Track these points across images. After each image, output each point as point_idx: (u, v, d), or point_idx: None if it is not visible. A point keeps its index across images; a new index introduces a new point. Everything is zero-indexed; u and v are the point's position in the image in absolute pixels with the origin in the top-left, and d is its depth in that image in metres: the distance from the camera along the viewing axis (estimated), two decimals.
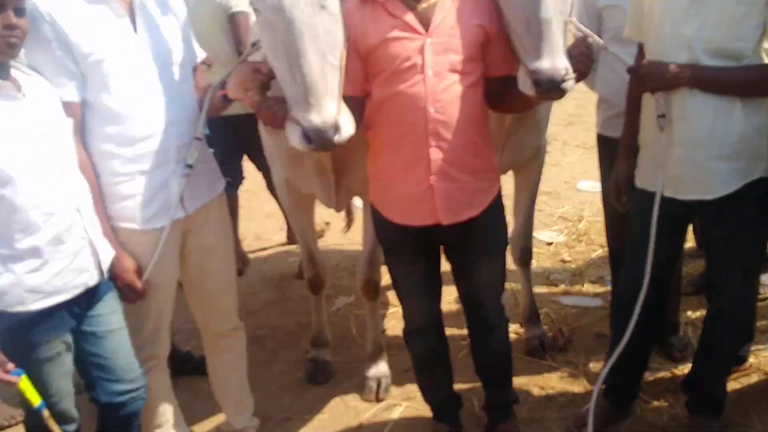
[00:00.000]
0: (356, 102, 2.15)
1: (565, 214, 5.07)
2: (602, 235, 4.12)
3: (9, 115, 1.83)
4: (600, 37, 2.82)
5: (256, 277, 4.46)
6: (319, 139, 1.87)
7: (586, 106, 6.70)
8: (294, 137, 1.92)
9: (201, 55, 2.43)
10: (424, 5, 2.13)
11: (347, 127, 1.93)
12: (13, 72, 1.91)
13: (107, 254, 2.07)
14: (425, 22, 2.12)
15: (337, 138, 1.90)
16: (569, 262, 4.29)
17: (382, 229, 2.39)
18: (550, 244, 4.57)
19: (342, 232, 4.71)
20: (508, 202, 2.68)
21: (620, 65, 2.59)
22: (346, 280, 4.27)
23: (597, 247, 4.42)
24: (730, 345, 2.52)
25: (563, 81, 1.97)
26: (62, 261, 1.91)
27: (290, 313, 3.92)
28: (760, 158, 2.23)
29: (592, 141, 3.23)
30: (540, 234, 4.59)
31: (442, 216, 2.22)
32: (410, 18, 2.12)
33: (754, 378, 2.92)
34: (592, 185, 5.38)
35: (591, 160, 4.97)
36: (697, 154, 2.22)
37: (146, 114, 2.14)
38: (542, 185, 3.27)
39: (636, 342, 2.40)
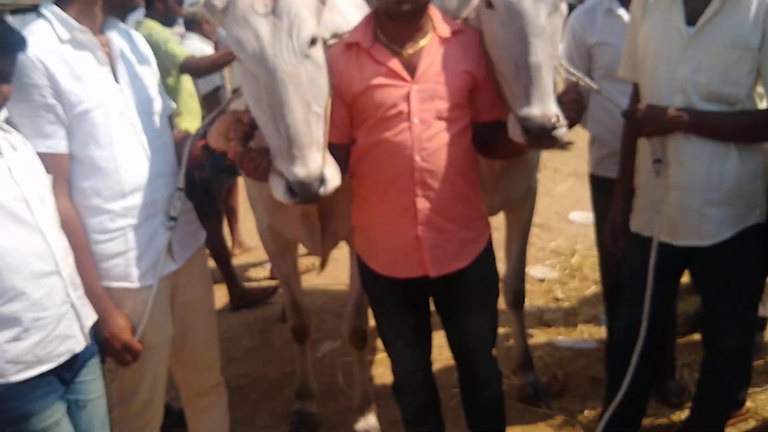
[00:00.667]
0: (341, 149, 2.09)
1: (558, 248, 5.01)
2: (595, 270, 4.06)
3: None
4: (590, 74, 2.81)
5: (237, 320, 4.33)
6: (303, 192, 1.81)
7: (576, 131, 6.65)
8: (278, 190, 1.85)
9: (173, 105, 2.39)
10: (409, 51, 2.08)
11: (333, 179, 1.86)
12: None
13: (90, 317, 1.96)
14: (411, 68, 2.07)
15: (322, 191, 1.83)
16: (562, 300, 4.21)
17: (369, 280, 2.30)
18: (542, 280, 4.49)
19: (316, 274, 4.62)
20: (498, 234, 2.60)
21: (612, 105, 2.55)
22: (331, 323, 4.14)
23: (591, 283, 4.35)
24: (728, 393, 2.47)
25: (554, 128, 1.92)
26: (44, 329, 1.80)
27: (273, 360, 3.79)
28: (756, 204, 2.20)
29: (583, 168, 3.19)
30: (532, 269, 4.51)
31: (429, 268, 2.13)
32: (395, 64, 2.06)
33: (752, 423, 2.85)
34: (584, 216, 5.33)
35: (583, 189, 4.89)
36: (692, 199, 2.19)
37: (134, 166, 2.08)
38: (534, 217, 3.20)
39: (633, 390, 2.34)
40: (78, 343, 1.89)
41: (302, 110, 1.81)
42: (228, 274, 4.46)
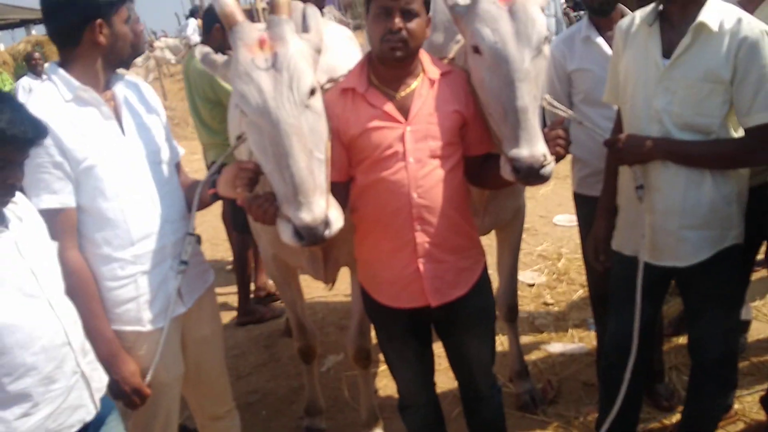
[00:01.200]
0: (341, 187, 2.21)
1: (544, 252, 5.15)
2: (581, 273, 4.23)
3: None
4: (570, 99, 2.94)
5: (243, 336, 4.46)
6: (310, 236, 1.91)
7: None
8: (285, 234, 1.95)
9: (181, 151, 2.46)
10: (402, 93, 2.19)
11: (337, 221, 1.97)
12: None
13: (102, 380, 1.98)
14: (404, 110, 2.18)
15: (327, 233, 1.93)
16: (552, 304, 4.36)
17: (372, 309, 2.42)
18: (532, 285, 4.64)
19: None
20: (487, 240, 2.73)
21: (592, 127, 2.68)
22: (333, 336, 4.28)
23: (578, 287, 4.50)
24: (716, 399, 2.57)
25: (542, 167, 2.03)
26: (54, 401, 1.78)
27: (281, 375, 3.92)
28: (732, 226, 2.30)
29: (565, 170, 3.27)
30: (521, 275, 4.64)
31: (430, 297, 2.26)
32: (389, 107, 2.17)
33: (740, 425, 2.98)
34: (568, 219, 5.47)
35: (565, 191, 5.04)
36: (670, 222, 2.30)
37: (142, 214, 2.16)
38: None
39: (627, 402, 2.45)
40: (88, 412, 1.89)
41: (305, 158, 1.91)
42: (243, 291, 4.57)
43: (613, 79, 2.46)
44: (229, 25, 2.02)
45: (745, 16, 2.15)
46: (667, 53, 2.23)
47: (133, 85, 2.33)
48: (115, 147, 2.13)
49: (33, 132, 1.77)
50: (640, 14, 2.36)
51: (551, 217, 5.78)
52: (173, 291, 2.22)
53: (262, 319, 4.61)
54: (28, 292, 1.77)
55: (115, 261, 2.13)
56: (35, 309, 1.77)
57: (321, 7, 10.52)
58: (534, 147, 2.02)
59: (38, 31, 23.34)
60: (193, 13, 14.74)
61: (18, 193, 1.86)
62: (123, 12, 2.13)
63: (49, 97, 2.08)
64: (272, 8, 2.05)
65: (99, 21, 2.08)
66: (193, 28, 14.04)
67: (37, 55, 8.53)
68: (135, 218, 2.14)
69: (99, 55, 2.13)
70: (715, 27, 2.13)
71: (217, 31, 4.02)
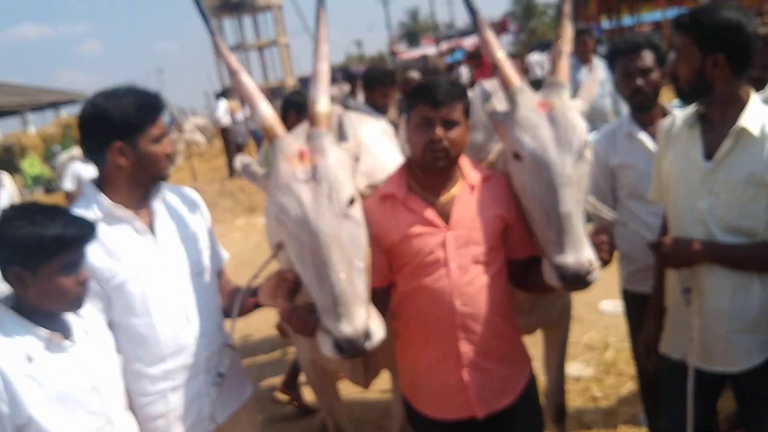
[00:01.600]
0: (381, 292, 2.18)
1: (591, 342, 4.98)
2: (630, 364, 4.05)
3: (57, 371, 1.80)
4: (615, 194, 2.89)
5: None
6: (351, 348, 1.87)
7: None
8: (326, 347, 1.91)
9: (225, 257, 2.46)
10: (442, 199, 2.18)
11: (377, 332, 1.93)
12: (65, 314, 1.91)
13: None
14: (445, 215, 2.16)
15: (368, 345, 1.89)
16: (600, 399, 4.18)
17: (415, 420, 2.34)
18: (578, 379, 4.46)
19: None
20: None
21: (637, 222, 2.62)
22: None
23: (627, 379, 4.31)
24: None
25: (588, 273, 1.98)
26: None
27: None
28: None
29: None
30: (568, 367, 4.47)
31: (476, 408, 2.18)
32: (430, 213, 2.16)
33: None
34: (614, 306, 5.30)
35: (610, 276, 4.87)
36: (718, 326, 2.23)
37: (174, 330, 2.15)
38: None
39: None
40: None
41: (345, 268, 1.89)
42: (295, 367, 4.41)
43: (658, 178, 2.45)
44: (269, 138, 2.06)
45: None
46: (708, 155, 2.21)
47: (176, 194, 2.35)
48: (147, 262, 2.14)
49: (88, 228, 1.88)
50: (681, 115, 2.35)
51: (597, 303, 5.61)
52: (208, 405, 2.18)
53: (299, 404, 4.44)
54: (90, 409, 1.83)
55: (145, 377, 2.12)
56: (96, 425, 1.83)
57: (354, 87, 10.52)
58: (580, 253, 1.99)
59: (68, 113, 24.34)
60: (224, 94, 15.14)
61: (85, 307, 1.95)
62: (151, 131, 2.13)
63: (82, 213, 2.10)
64: (311, 121, 2.09)
65: (118, 144, 2.09)
66: (225, 109, 14.38)
67: None
68: (166, 334, 2.13)
69: (124, 175, 2.14)
70: (756, 132, 2.12)
71: (291, 116, 4.11)
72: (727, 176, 2.16)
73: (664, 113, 2.85)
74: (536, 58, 16.78)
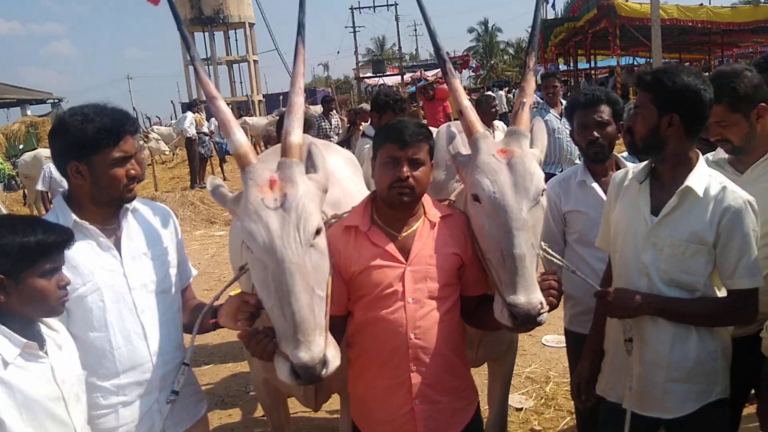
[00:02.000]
0: (339, 320, 2.25)
1: (532, 374, 5.11)
2: (569, 399, 4.18)
3: (29, 379, 1.84)
4: (564, 237, 3.03)
5: None
6: (307, 375, 1.91)
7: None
8: (282, 372, 1.95)
9: (192, 273, 2.50)
10: (404, 234, 2.28)
11: (334, 360, 1.98)
12: (40, 326, 1.95)
13: None
14: (405, 250, 2.26)
15: (324, 372, 1.94)
16: (539, 431, 4.31)
17: None
18: (519, 409, 4.59)
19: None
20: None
21: (584, 266, 2.76)
22: None
23: (566, 413, 4.44)
24: None
25: (539, 314, 2.09)
26: None
27: None
28: (717, 381, 2.35)
29: None
30: (509, 398, 4.61)
31: None
32: (391, 248, 2.25)
33: None
34: (557, 340, 5.46)
35: (554, 311, 5.01)
36: (656, 374, 2.34)
37: (130, 347, 2.17)
38: None
39: None
40: None
41: (307, 297, 1.93)
42: None
43: (606, 227, 2.57)
44: (241, 165, 2.12)
45: (730, 185, 2.28)
46: (655, 210, 2.33)
47: (148, 209, 2.37)
48: (108, 278, 2.16)
49: (66, 234, 1.94)
50: (633, 169, 2.48)
51: (540, 336, 5.77)
52: (159, 424, 2.20)
53: None
54: (58, 418, 1.87)
55: (98, 390, 2.14)
56: None
57: (330, 109, 11.04)
58: (531, 294, 2.08)
59: (33, 112, 23.84)
60: (190, 106, 15.09)
61: (59, 323, 2.00)
62: (110, 154, 2.12)
63: None
64: (284, 150, 2.15)
65: (74, 164, 2.13)
66: (191, 121, 14.33)
67: None
68: (122, 350, 2.16)
69: (83, 193, 2.18)
70: (700, 192, 2.24)
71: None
72: (670, 232, 2.28)
73: (618, 165, 3.01)
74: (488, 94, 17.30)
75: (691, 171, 2.29)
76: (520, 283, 2.09)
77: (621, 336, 2.39)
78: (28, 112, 23.55)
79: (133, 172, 2.18)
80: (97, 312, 2.13)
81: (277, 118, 4.64)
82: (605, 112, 2.96)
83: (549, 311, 2.16)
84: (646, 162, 2.43)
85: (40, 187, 7.60)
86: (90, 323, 2.12)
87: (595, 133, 2.94)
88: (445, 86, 4.63)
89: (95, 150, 2.11)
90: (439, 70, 2.61)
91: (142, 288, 2.23)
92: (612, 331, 2.51)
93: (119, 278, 2.18)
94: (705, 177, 2.28)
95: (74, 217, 2.16)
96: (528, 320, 2.08)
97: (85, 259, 2.14)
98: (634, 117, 2.36)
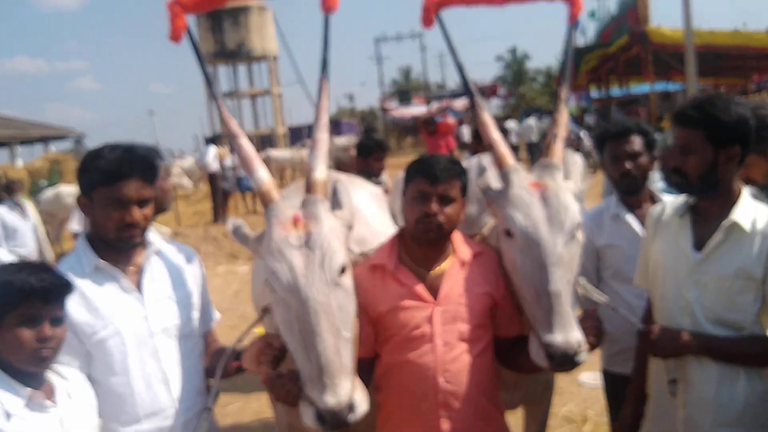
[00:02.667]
0: (366, 363, 2.16)
1: (570, 414, 4.94)
2: None
3: (34, 430, 1.77)
4: (599, 274, 2.91)
5: None
6: (334, 420, 1.84)
7: None
8: (308, 417, 1.88)
9: (215, 317, 2.43)
10: (432, 273, 2.19)
11: (361, 404, 1.90)
12: (50, 374, 1.89)
13: None
14: (434, 290, 2.17)
15: (351, 417, 1.86)
16: None
17: None
18: None
19: None
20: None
21: (621, 302, 2.63)
22: None
23: None
24: None
25: (576, 354, 1.98)
26: None
27: None
28: (766, 425, 2.20)
29: None
30: None
31: None
32: (419, 287, 2.17)
33: None
34: (594, 378, 5.27)
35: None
36: (703, 418, 2.21)
37: (151, 392, 2.10)
38: None
39: None
40: None
41: (332, 338, 1.86)
42: None
43: (644, 264, 2.46)
44: (264, 203, 2.07)
45: None
46: (698, 246, 2.22)
47: (172, 251, 2.31)
48: (130, 321, 2.10)
49: (55, 283, 1.84)
50: (671, 203, 2.38)
51: (576, 375, 5.59)
52: None
53: None
54: None
55: None
56: None
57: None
58: (569, 333, 1.99)
59: (56, 148, 24.25)
60: (213, 140, 15.21)
61: (71, 370, 1.95)
62: (104, 194, 2.06)
63: (70, 268, 2.09)
64: (308, 187, 2.10)
65: (81, 196, 2.12)
66: (213, 155, 14.42)
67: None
68: (143, 395, 2.09)
69: (96, 231, 2.14)
70: (747, 227, 2.14)
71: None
72: (716, 268, 2.16)
73: (652, 197, 2.91)
74: (511, 125, 17.35)
75: (734, 204, 2.18)
76: (557, 321, 2.00)
77: (665, 377, 2.27)
78: (52, 149, 23.95)
79: (128, 218, 2.07)
80: (118, 356, 2.06)
81: (352, 141, 4.77)
82: (636, 143, 2.86)
83: (590, 351, 2.06)
84: (684, 195, 2.32)
85: (74, 228, 7.15)
86: (111, 367, 2.06)
87: (627, 165, 2.84)
88: (448, 120, 4.74)
89: (94, 186, 2.08)
90: (467, 98, 2.52)
91: (164, 332, 2.16)
92: (656, 374, 2.38)
93: (141, 322, 2.12)
94: (750, 210, 2.18)
95: (96, 259, 2.10)
96: (565, 360, 1.98)
97: (106, 302, 2.08)
98: (681, 157, 2.19)
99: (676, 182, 2.23)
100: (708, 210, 2.23)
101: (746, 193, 2.22)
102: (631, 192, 2.89)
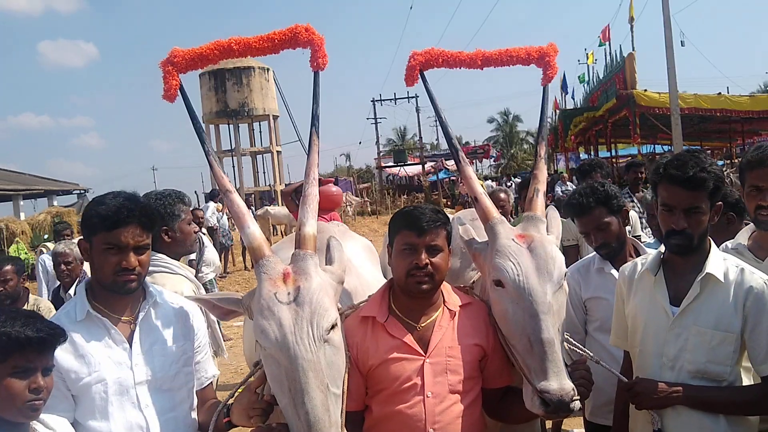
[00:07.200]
0: (357, 416, 2.17)
1: None
2: None
3: None
4: (585, 326, 2.96)
5: None
6: None
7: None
8: None
9: (213, 373, 2.42)
10: (422, 324, 2.22)
11: None
12: (34, 424, 1.87)
13: None
14: (424, 341, 2.20)
15: None
16: None
17: None
18: None
19: None
20: None
21: (606, 355, 2.66)
22: None
23: None
24: None
25: (571, 401, 2.01)
26: None
27: None
28: None
29: None
30: None
31: None
32: (409, 339, 2.19)
33: None
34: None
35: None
36: None
37: None
38: None
39: None
40: None
41: (321, 395, 1.85)
42: None
43: (619, 323, 2.49)
44: (255, 259, 2.09)
45: (746, 266, 2.23)
46: (674, 300, 2.26)
47: (171, 304, 2.32)
48: (115, 370, 2.11)
49: (50, 334, 1.85)
50: (641, 261, 2.42)
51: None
52: None
53: None
54: None
55: None
56: None
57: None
58: (563, 380, 2.02)
59: (60, 203, 24.30)
60: (212, 196, 15.35)
61: (59, 420, 1.94)
62: (103, 238, 2.10)
63: (64, 315, 2.14)
64: (298, 242, 2.13)
65: (81, 241, 2.17)
66: (212, 211, 14.52)
67: (67, 231, 8.58)
68: None
69: (96, 277, 2.18)
70: (721, 277, 2.19)
71: None
72: (695, 321, 2.21)
73: (636, 247, 2.97)
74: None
75: (706, 257, 2.24)
76: (551, 369, 2.04)
77: (648, 427, 2.29)
78: (55, 203, 24.02)
79: (124, 263, 2.11)
80: (99, 402, 2.08)
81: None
82: (602, 215, 2.90)
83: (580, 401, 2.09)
84: (655, 252, 2.38)
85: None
86: (92, 412, 2.08)
87: (598, 239, 2.91)
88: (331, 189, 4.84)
89: (93, 231, 2.12)
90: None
91: (147, 383, 2.16)
92: (639, 422, 2.40)
93: (125, 371, 2.13)
94: (721, 261, 2.24)
95: (89, 308, 2.14)
96: (561, 407, 2.01)
97: (95, 350, 2.11)
98: (688, 219, 2.18)
99: (682, 244, 2.21)
100: (682, 265, 2.27)
101: (714, 246, 2.28)
102: (611, 257, 2.94)
